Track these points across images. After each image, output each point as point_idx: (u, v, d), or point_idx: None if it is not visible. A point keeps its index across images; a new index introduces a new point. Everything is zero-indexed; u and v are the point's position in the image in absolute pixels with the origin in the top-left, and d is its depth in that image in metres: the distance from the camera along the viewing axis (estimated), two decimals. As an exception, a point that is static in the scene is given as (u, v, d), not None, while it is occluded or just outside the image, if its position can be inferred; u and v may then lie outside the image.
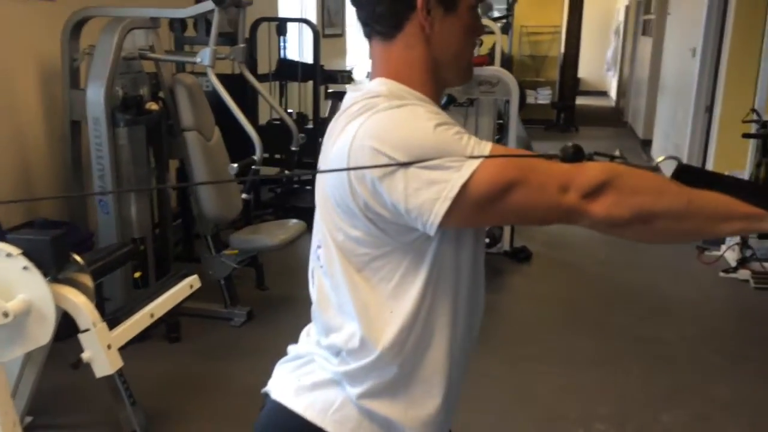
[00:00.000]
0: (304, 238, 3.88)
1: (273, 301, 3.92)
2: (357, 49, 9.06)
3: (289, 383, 1.14)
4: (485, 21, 5.75)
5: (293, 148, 3.54)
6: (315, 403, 1.09)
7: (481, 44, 8.55)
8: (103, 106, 3.03)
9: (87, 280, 2.17)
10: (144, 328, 2.31)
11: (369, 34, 1.08)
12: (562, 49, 9.73)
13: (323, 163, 1.05)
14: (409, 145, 0.91)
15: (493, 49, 6.12)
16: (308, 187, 5.51)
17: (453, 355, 1.08)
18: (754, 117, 4.22)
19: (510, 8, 9.82)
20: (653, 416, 2.80)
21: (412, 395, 1.07)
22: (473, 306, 1.14)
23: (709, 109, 5.41)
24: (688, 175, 0.93)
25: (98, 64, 3.05)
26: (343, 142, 0.96)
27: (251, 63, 4.97)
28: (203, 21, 3.65)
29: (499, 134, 4.82)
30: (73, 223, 3.49)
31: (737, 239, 4.40)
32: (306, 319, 3.85)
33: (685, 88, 5.95)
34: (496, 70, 4.37)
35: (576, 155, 0.93)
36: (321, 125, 5.16)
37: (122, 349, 2.67)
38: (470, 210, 0.91)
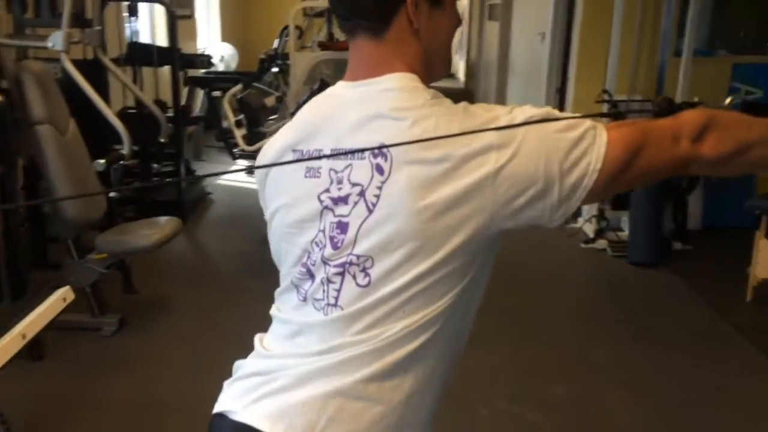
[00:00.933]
0: (175, 237, 3.65)
1: (145, 306, 3.66)
2: (207, 32, 8.67)
3: (258, 403, 1.02)
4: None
5: (162, 140, 3.28)
6: (296, 425, 0.98)
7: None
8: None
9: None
10: (18, 350, 2.04)
11: (352, 29, 1.02)
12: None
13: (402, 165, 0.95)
14: (554, 132, 0.93)
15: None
16: (170, 180, 5.19)
17: (460, 344, 1.07)
18: (606, 97, 4.52)
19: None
20: (547, 388, 2.93)
21: (417, 379, 1.00)
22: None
23: (560, 91, 5.74)
24: (752, 108, 1.00)
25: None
26: (481, 148, 0.91)
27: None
28: (46, 2, 3.27)
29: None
30: None
31: (594, 211, 4.71)
32: (185, 323, 3.58)
33: (536, 70, 6.27)
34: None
35: (669, 107, 1.05)
36: (182, 113, 4.86)
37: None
38: (608, 180, 0.93)
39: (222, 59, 7.98)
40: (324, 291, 1.01)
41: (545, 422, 2.69)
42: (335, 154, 1.00)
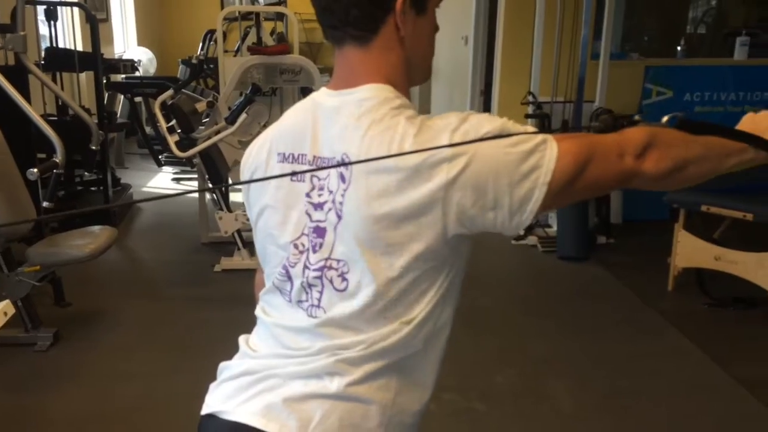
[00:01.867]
0: (111, 247, 3.54)
1: (79, 319, 3.53)
2: (124, 36, 8.41)
3: (249, 402, 1.04)
4: (259, 8, 5.64)
5: (93, 147, 3.18)
6: (290, 421, 1.00)
7: (273, 33, 8.42)
8: None
9: None
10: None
11: (340, 38, 1.04)
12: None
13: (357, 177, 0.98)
14: (506, 146, 0.94)
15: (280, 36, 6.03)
16: (93, 188, 5.01)
17: (445, 346, 1.10)
18: (531, 99, 4.70)
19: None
20: (489, 379, 3.02)
21: (405, 380, 1.04)
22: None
23: (484, 93, 5.91)
24: (688, 126, 1.05)
25: None
26: (435, 157, 0.93)
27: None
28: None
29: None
30: None
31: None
32: (122, 334, 3.51)
33: (459, 73, 6.43)
34: (298, 58, 4.33)
35: (615, 125, 1.09)
36: (107, 120, 4.71)
37: None
38: (557, 193, 0.96)
39: (140, 64, 7.75)
40: (307, 294, 1.04)
41: (491, 411, 2.78)
42: (305, 171, 1.04)
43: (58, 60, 4.62)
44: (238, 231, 4.12)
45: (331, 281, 1.02)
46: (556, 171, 0.95)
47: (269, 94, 4.39)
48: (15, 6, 2.94)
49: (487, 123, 0.97)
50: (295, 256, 1.05)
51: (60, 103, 4.59)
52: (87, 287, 3.91)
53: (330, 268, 1.02)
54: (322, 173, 1.03)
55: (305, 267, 1.04)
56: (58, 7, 4.83)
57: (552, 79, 4.72)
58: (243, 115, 3.87)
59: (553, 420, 2.78)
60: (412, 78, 1.08)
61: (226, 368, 1.13)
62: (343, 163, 0.99)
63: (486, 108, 5.72)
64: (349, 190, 0.98)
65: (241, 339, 1.16)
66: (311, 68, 4.26)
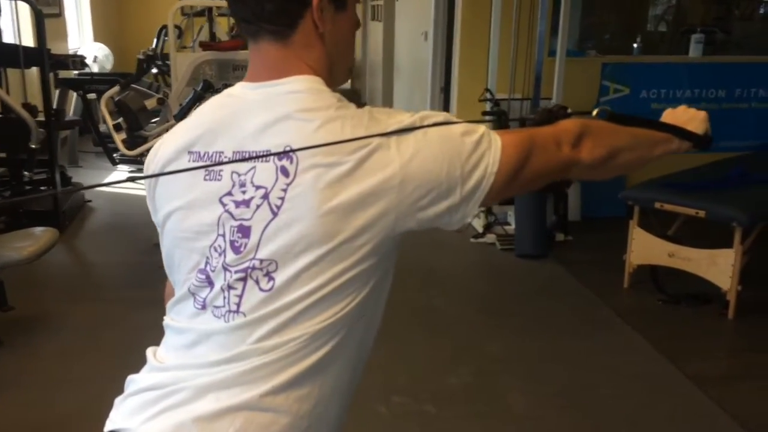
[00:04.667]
0: (53, 249, 3.42)
1: (22, 323, 3.41)
2: (79, 31, 8.20)
3: (155, 420, 0.97)
4: (212, 3, 5.54)
5: (33, 146, 3.07)
6: None
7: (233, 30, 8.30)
8: None
9: None
10: None
11: (255, 32, 0.99)
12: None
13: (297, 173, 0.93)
14: (456, 135, 0.97)
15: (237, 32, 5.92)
16: (43, 188, 4.85)
17: (362, 353, 1.07)
18: (488, 96, 4.68)
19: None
20: (442, 380, 2.99)
21: (323, 389, 0.99)
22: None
23: (444, 90, 5.88)
24: (616, 119, 1.13)
25: None
26: (383, 148, 0.92)
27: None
28: None
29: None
30: None
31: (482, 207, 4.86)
32: (69, 338, 3.41)
33: (420, 70, 6.39)
34: (250, 54, 4.24)
35: (550, 117, 1.12)
36: (54, 117, 4.56)
37: None
38: (501, 184, 0.98)
39: (95, 60, 7.57)
40: (225, 298, 0.98)
41: (442, 413, 2.75)
42: (243, 159, 0.97)
43: (3, 56, 4.46)
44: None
45: (257, 281, 0.96)
46: (502, 161, 0.97)
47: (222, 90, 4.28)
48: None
49: (435, 116, 0.98)
50: (214, 259, 0.99)
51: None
52: (31, 291, 3.78)
53: (255, 268, 0.96)
54: (241, 168, 0.97)
55: (225, 269, 0.98)
56: (4, 1, 4.66)
57: (509, 76, 4.71)
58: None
59: (506, 419, 2.76)
60: (333, 78, 1.05)
61: (132, 381, 1.07)
62: (267, 155, 0.95)
63: (445, 106, 5.69)
64: (293, 183, 0.93)
65: (149, 351, 1.10)
66: (265, 64, 4.18)
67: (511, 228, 4.73)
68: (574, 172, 1.07)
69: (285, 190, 0.93)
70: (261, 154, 0.95)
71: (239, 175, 0.97)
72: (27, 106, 4.53)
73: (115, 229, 4.93)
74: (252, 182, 0.96)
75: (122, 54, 8.59)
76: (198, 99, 3.85)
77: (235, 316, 0.97)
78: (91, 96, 5.31)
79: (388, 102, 8.54)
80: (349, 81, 12.61)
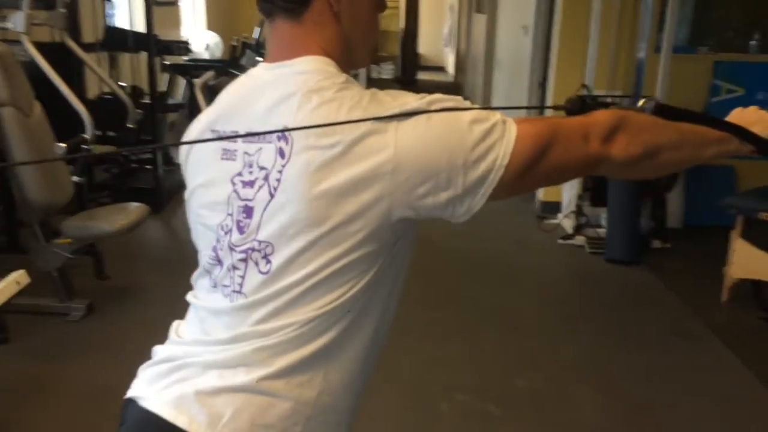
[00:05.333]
0: (146, 223, 3.61)
1: (116, 292, 3.62)
2: (192, 19, 8.59)
3: (164, 391, 0.99)
4: None
5: (129, 125, 3.23)
6: (199, 415, 0.95)
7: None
8: None
9: None
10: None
11: (270, 11, 0.99)
12: (402, 25, 9.86)
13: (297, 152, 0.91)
14: (463, 123, 0.90)
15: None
16: (148, 167, 5.12)
17: (377, 342, 1.04)
18: (585, 92, 4.49)
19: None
20: (509, 382, 2.91)
21: (327, 378, 0.98)
22: (400, 294, 1.09)
23: (542, 85, 5.70)
24: (666, 112, 1.04)
25: None
26: (378, 131, 0.88)
27: (74, 31, 4.51)
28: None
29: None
30: None
31: (573, 207, 4.70)
32: (155, 309, 3.56)
33: (519, 64, 6.24)
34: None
35: (583, 107, 1.03)
36: (158, 100, 4.80)
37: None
38: (515, 176, 0.91)
39: (207, 47, 7.89)
40: (231, 277, 0.98)
41: (506, 415, 2.67)
42: (241, 135, 0.97)
43: (115, 40, 4.74)
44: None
45: (256, 263, 0.96)
46: (514, 153, 0.90)
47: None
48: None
49: (445, 101, 0.92)
50: (222, 237, 1.00)
51: (116, 82, 4.72)
52: (127, 263, 4.00)
53: (254, 249, 0.96)
54: (251, 149, 0.97)
55: (231, 249, 0.99)
56: (119, -11, 4.95)
57: (609, 72, 4.50)
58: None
59: (573, 430, 2.65)
60: (352, 59, 1.03)
61: (155, 352, 1.10)
62: (258, 132, 0.94)
63: (542, 101, 5.52)
64: (288, 165, 0.92)
65: (174, 324, 1.12)
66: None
67: (603, 231, 4.53)
68: (604, 169, 1.00)
69: (281, 172, 0.92)
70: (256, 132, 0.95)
71: (249, 155, 0.97)
72: (135, 89, 4.81)
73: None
74: (257, 163, 0.95)
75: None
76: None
77: (238, 297, 0.97)
78: (196, 81, 5.54)
79: (486, 98, 8.40)
80: (453, 74, 12.55)
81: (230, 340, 0.97)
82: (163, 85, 5.12)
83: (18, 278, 2.27)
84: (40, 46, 2.89)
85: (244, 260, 0.96)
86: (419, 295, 3.82)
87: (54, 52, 3.33)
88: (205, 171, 1.04)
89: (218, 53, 7.96)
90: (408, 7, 9.39)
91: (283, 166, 0.92)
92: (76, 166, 3.04)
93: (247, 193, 0.96)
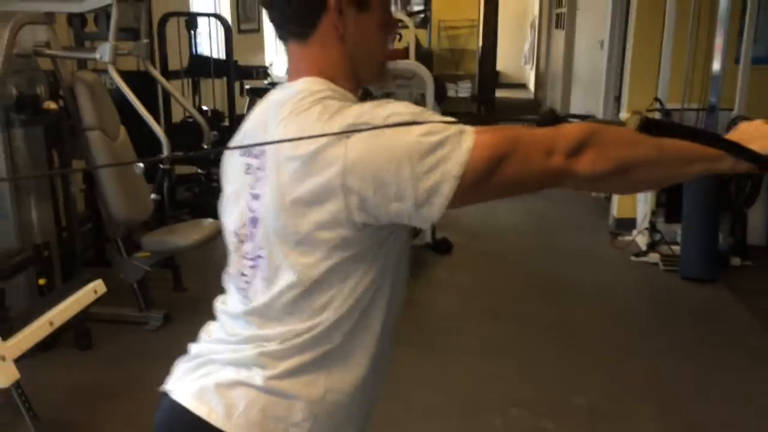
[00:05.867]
0: (219, 237, 3.79)
1: (192, 303, 3.80)
2: (275, 45, 8.93)
3: (191, 384, 1.09)
4: (401, 15, 5.79)
5: (205, 146, 3.45)
6: (218, 406, 1.05)
7: (400, 38, 8.62)
8: (-7, 105, 2.87)
9: (-24, 290, 2.06)
10: (43, 336, 2.21)
11: (282, 35, 1.07)
12: (480, 43, 9.89)
13: (271, 167, 1.00)
14: (411, 135, 0.91)
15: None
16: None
17: (381, 345, 1.08)
18: (657, 106, 4.39)
19: (427, 3, 9.91)
20: (567, 398, 2.87)
21: (333, 377, 1.05)
22: (401, 295, 1.14)
23: (618, 99, 5.60)
24: (652, 127, 1.00)
25: (-11, 61, 2.89)
26: (332, 144, 0.92)
27: (162, 59, 4.84)
28: (104, 16, 3.50)
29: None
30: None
31: (647, 224, 4.58)
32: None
33: (596, 79, 6.15)
34: (410, 63, 4.39)
35: (553, 119, 1.01)
36: (237, 122, 5.05)
37: (27, 359, 2.53)
38: (470, 187, 0.92)
39: (287, 71, 8.21)
40: (243, 283, 1.08)
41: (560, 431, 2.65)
42: (218, 149, 1.05)
43: (198, 67, 5.05)
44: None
45: (261, 270, 1.04)
46: (468, 164, 0.91)
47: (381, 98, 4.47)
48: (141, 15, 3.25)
49: (401, 111, 0.93)
50: (238, 246, 1.10)
51: (199, 106, 5.02)
52: (204, 275, 4.20)
53: (260, 257, 1.04)
54: (257, 164, 1.04)
55: (243, 257, 1.08)
56: (202, 18, 5.26)
57: (684, 84, 4.38)
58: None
59: (631, 448, 2.60)
60: (360, 76, 1.08)
61: (189, 350, 1.20)
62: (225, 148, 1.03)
63: (616, 115, 5.42)
64: (266, 178, 1.00)
65: (206, 325, 1.23)
66: (424, 74, 4.30)
67: (678, 248, 4.39)
68: (572, 183, 0.96)
69: (264, 185, 1.01)
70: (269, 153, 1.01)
71: (258, 170, 1.05)
72: (214, 112, 5.09)
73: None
74: (262, 178, 1.03)
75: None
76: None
77: (247, 303, 1.07)
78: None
79: (564, 113, 8.29)
80: (533, 90, 12.43)
81: (243, 341, 1.06)
82: (243, 108, 5.37)
83: (96, 287, 2.47)
84: (126, 75, 3.12)
85: (252, 267, 1.05)
86: (482, 309, 3.83)
87: (139, 79, 3.59)
88: (232, 183, 1.12)
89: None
90: (486, 25, 9.42)
91: (264, 179, 1.01)
92: (155, 185, 3.27)
93: (254, 205, 1.05)
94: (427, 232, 4.62)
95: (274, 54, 8.63)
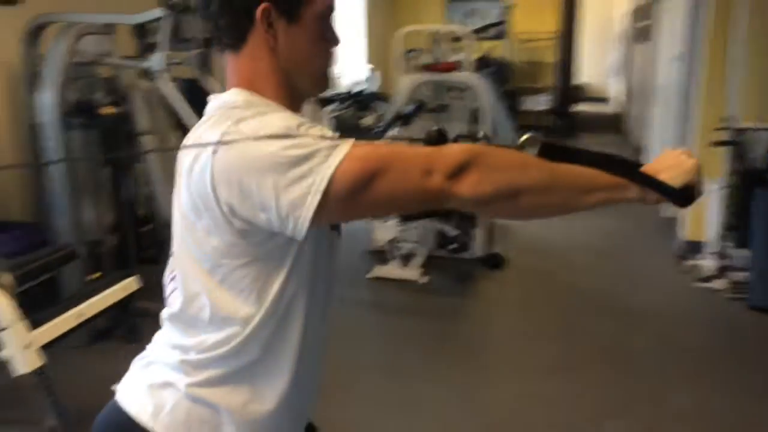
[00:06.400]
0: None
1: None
2: (345, 55, 9.07)
3: (131, 383, 1.13)
4: (455, 28, 5.74)
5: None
6: (147, 405, 1.08)
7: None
8: (52, 111, 3.05)
9: (7, 279, 2.18)
10: (71, 328, 2.32)
11: (219, 46, 1.08)
12: (559, 56, 9.69)
13: (181, 174, 1.03)
14: (275, 147, 0.90)
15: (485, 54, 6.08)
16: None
17: (304, 354, 1.08)
18: (726, 125, 4.16)
19: (505, 15, 9.81)
20: (597, 425, 2.74)
21: (254, 387, 1.05)
22: (327, 303, 1.13)
23: (688, 115, 5.33)
24: (552, 152, 0.96)
25: (50, 69, 3.08)
26: (206, 153, 0.94)
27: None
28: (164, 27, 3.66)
29: (474, 141, 4.77)
30: (35, 224, 3.51)
31: (715, 248, 4.33)
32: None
33: (672, 94, 5.88)
34: (465, 76, 4.35)
35: (439, 138, 0.97)
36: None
37: (76, 349, 2.66)
38: (339, 203, 0.91)
39: (366, 80, 8.34)
40: (170, 287, 1.10)
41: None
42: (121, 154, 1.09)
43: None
44: (392, 241, 4.25)
45: (177, 277, 1.07)
46: (334, 179, 0.89)
47: (439, 111, 4.46)
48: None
49: (275, 123, 0.93)
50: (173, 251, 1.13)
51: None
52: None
53: (176, 264, 1.08)
54: (180, 173, 1.05)
55: (171, 261, 1.11)
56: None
57: (760, 102, 4.12)
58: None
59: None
60: (298, 87, 1.07)
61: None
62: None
63: (684, 133, 5.16)
64: (179, 187, 1.03)
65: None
66: (479, 87, 4.25)
67: (747, 275, 4.12)
68: (455, 204, 0.94)
69: (177, 193, 1.04)
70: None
71: (179, 177, 1.06)
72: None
73: (350, 233, 5.36)
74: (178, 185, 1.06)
75: (388, 75, 9.29)
76: (408, 117, 4.07)
77: (169, 308, 1.10)
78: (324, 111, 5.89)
79: (644, 128, 7.97)
80: (617, 106, 12.02)
81: (171, 346, 1.08)
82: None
83: (128, 284, 2.57)
84: (188, 82, 3.25)
85: (172, 272, 1.08)
86: (530, 328, 3.73)
87: (193, 86, 3.74)
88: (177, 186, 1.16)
89: (374, 86, 8.36)
90: (563, 37, 9.21)
91: (179, 186, 1.03)
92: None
93: (174, 211, 1.07)
94: (479, 246, 4.55)
95: (344, 63, 8.76)
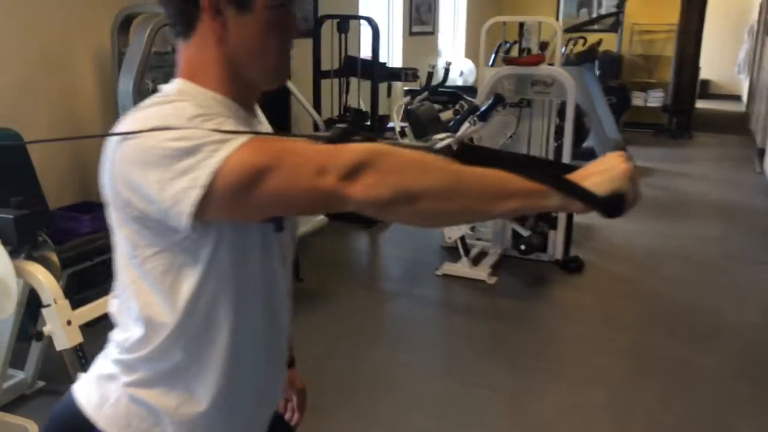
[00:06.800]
0: (355, 236, 3.84)
1: (308, 294, 3.94)
2: (451, 47, 8.98)
3: (84, 376, 1.15)
4: (546, 19, 5.51)
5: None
6: (94, 396, 1.10)
7: (584, 42, 8.19)
8: (131, 97, 3.21)
9: (54, 258, 2.33)
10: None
11: (173, 33, 1.07)
12: (677, 49, 9.08)
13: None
14: (164, 137, 0.88)
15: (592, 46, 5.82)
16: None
17: (239, 354, 1.06)
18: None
19: (620, 5, 9.32)
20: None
21: (187, 390, 1.05)
22: (278, 304, 1.11)
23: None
24: (470, 154, 0.90)
25: (130, 57, 3.25)
26: (111, 144, 0.95)
27: (315, 59, 5.08)
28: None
29: (558, 138, 4.56)
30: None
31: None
32: (342, 315, 3.92)
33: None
34: (551, 70, 4.16)
35: (343, 137, 0.91)
36: (379, 122, 5.18)
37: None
38: (225, 199, 0.87)
39: (461, 74, 8.22)
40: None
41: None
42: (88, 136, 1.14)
43: (349, 68, 5.24)
44: (462, 238, 4.16)
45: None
46: (219, 173, 0.85)
47: (523, 105, 4.29)
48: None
49: (170, 115, 0.90)
50: None
51: (346, 104, 5.23)
52: (320, 267, 4.35)
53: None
54: None
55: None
56: (353, 21, 5.45)
57: None
58: (465, 124, 3.90)
59: None
60: (249, 79, 1.03)
61: None
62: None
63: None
64: None
65: None
66: (565, 81, 4.05)
67: None
68: (352, 207, 0.88)
69: None
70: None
71: None
72: (357, 111, 5.24)
73: (411, 229, 5.32)
74: None
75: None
76: (484, 113, 3.96)
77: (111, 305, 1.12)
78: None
79: (765, 127, 7.32)
80: (746, 102, 11.13)
81: (113, 342, 1.10)
82: (388, 109, 5.48)
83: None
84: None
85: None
86: (594, 338, 3.54)
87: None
88: None
89: (471, 80, 8.23)
90: (687, 30, 8.60)
91: None
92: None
93: None
94: (557, 249, 4.37)
95: (450, 56, 8.67)
